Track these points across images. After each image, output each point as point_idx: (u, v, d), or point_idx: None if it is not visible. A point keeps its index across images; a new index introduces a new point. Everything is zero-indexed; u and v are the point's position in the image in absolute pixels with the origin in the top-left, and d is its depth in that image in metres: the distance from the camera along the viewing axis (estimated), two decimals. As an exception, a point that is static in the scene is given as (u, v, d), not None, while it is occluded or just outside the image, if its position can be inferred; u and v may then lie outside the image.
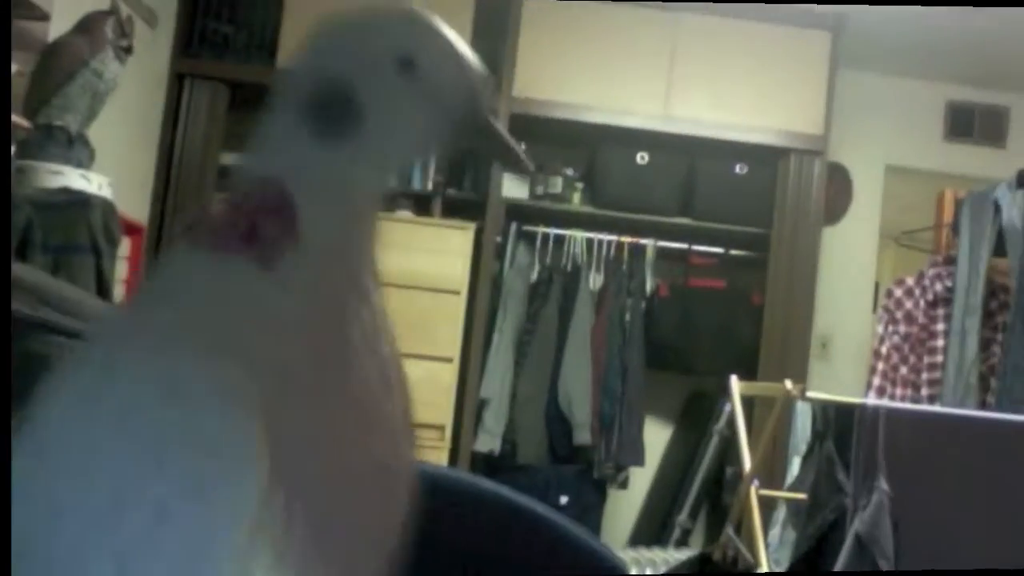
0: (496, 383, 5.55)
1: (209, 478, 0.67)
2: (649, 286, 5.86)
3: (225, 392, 0.68)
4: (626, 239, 5.82)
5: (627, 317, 5.74)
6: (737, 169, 5.75)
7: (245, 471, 0.67)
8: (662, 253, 5.90)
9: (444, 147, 0.87)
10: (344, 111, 0.78)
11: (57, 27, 3.84)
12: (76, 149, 3.56)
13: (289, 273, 0.74)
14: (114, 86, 3.71)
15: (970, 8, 5.15)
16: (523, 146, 5.64)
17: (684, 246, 5.90)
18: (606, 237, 5.81)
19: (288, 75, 0.81)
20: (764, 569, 3.60)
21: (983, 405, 4.19)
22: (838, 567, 2.94)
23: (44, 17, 3.85)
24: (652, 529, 5.84)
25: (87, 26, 3.65)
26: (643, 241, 5.84)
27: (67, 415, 0.71)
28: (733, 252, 5.91)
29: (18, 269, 0.95)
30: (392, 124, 0.80)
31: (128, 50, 3.74)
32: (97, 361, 0.73)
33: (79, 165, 3.54)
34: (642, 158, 5.73)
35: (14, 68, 3.59)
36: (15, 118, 3.40)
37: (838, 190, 6.15)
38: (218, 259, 0.75)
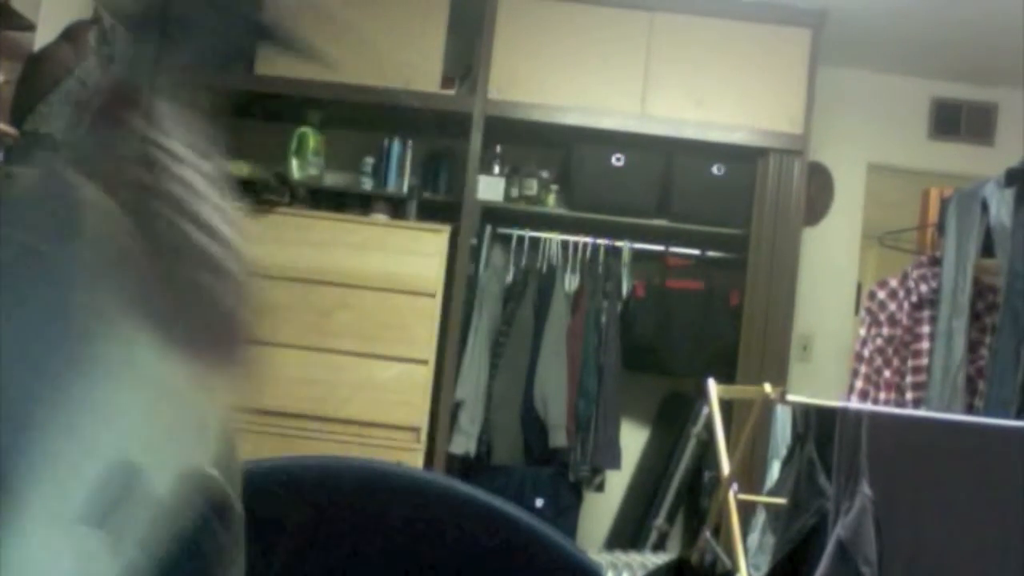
0: (471, 385, 5.52)
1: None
2: (625, 287, 5.84)
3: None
4: (602, 241, 5.79)
5: (603, 319, 5.71)
6: (715, 169, 5.72)
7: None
8: (639, 254, 5.88)
9: (237, 45, 1.07)
10: (160, 23, 0.97)
11: (42, 36, 3.97)
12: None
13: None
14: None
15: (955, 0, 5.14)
16: (499, 149, 5.66)
17: (661, 247, 5.87)
18: (582, 239, 5.79)
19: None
20: (743, 574, 3.57)
21: (970, 409, 4.15)
22: (819, 573, 2.90)
23: (30, 27, 4.00)
24: (628, 532, 5.82)
25: (71, 35, 3.74)
26: (619, 243, 5.81)
27: None
28: (711, 253, 5.88)
29: None
30: (193, 28, 0.98)
31: (111, 58, 3.80)
32: None
33: (64, 171, 3.57)
34: (618, 159, 5.70)
35: (1, 77, 3.65)
36: (2, 126, 3.48)
37: (819, 189, 6.13)
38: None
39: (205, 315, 0.84)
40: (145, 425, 0.77)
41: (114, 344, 0.76)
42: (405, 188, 5.70)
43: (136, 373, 0.76)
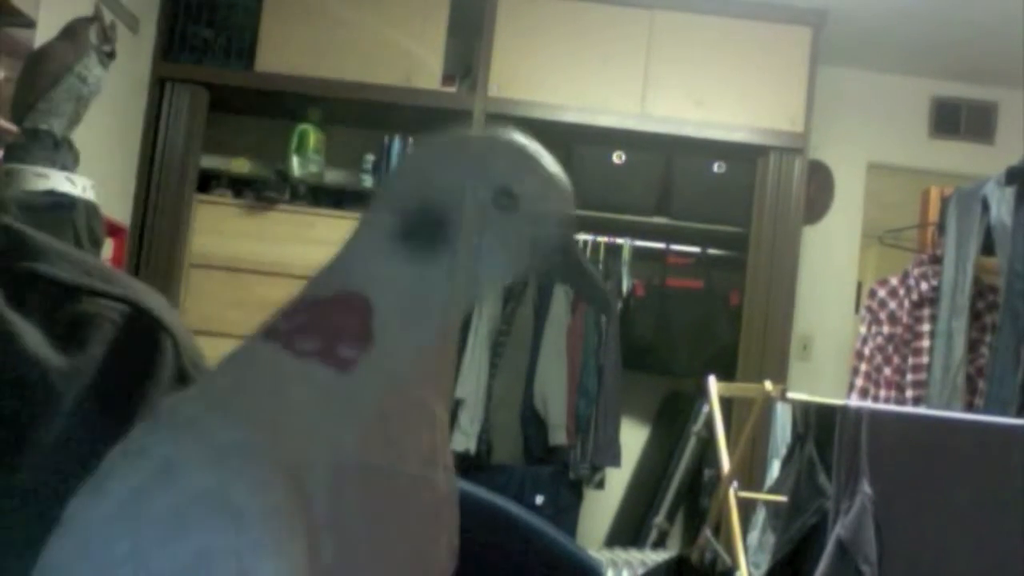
0: (471, 383, 5.52)
1: None
2: (625, 286, 5.83)
3: (275, 517, 0.67)
4: (602, 239, 5.78)
5: (603, 317, 5.70)
6: (715, 167, 5.71)
7: None
8: (639, 253, 5.87)
9: (528, 270, 0.86)
10: (437, 234, 0.79)
11: (42, 34, 3.93)
12: (61, 152, 3.62)
13: (360, 380, 0.75)
14: (98, 90, 3.78)
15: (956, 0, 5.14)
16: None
17: (661, 246, 5.87)
18: (582, 237, 5.77)
19: (382, 192, 0.83)
20: (743, 573, 3.57)
21: (970, 407, 4.15)
22: (819, 572, 2.91)
23: (30, 24, 3.98)
24: (629, 530, 5.82)
25: (71, 32, 3.74)
26: (619, 241, 5.81)
27: (117, 512, 0.68)
28: (711, 252, 5.87)
29: (50, 241, 0.96)
30: (482, 249, 0.80)
31: (111, 55, 3.82)
32: (155, 458, 0.70)
33: (64, 168, 3.59)
34: (619, 157, 5.70)
35: (1, 74, 3.65)
36: (2, 123, 3.47)
37: (819, 188, 6.12)
38: (291, 357, 0.75)
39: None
40: None
41: None
42: (405, 186, 5.69)
43: None
